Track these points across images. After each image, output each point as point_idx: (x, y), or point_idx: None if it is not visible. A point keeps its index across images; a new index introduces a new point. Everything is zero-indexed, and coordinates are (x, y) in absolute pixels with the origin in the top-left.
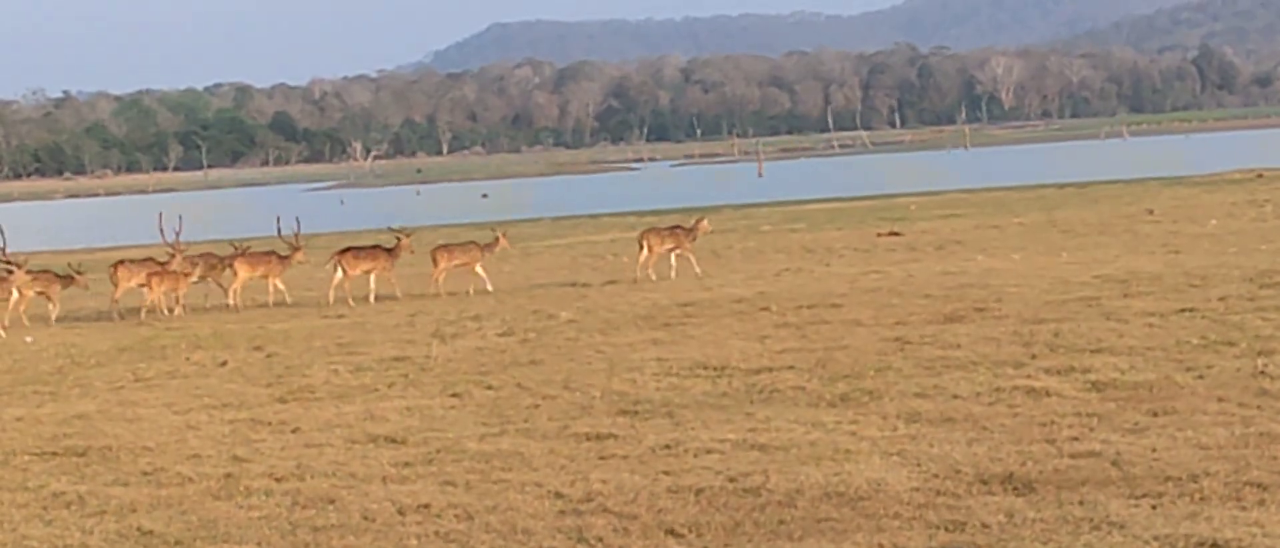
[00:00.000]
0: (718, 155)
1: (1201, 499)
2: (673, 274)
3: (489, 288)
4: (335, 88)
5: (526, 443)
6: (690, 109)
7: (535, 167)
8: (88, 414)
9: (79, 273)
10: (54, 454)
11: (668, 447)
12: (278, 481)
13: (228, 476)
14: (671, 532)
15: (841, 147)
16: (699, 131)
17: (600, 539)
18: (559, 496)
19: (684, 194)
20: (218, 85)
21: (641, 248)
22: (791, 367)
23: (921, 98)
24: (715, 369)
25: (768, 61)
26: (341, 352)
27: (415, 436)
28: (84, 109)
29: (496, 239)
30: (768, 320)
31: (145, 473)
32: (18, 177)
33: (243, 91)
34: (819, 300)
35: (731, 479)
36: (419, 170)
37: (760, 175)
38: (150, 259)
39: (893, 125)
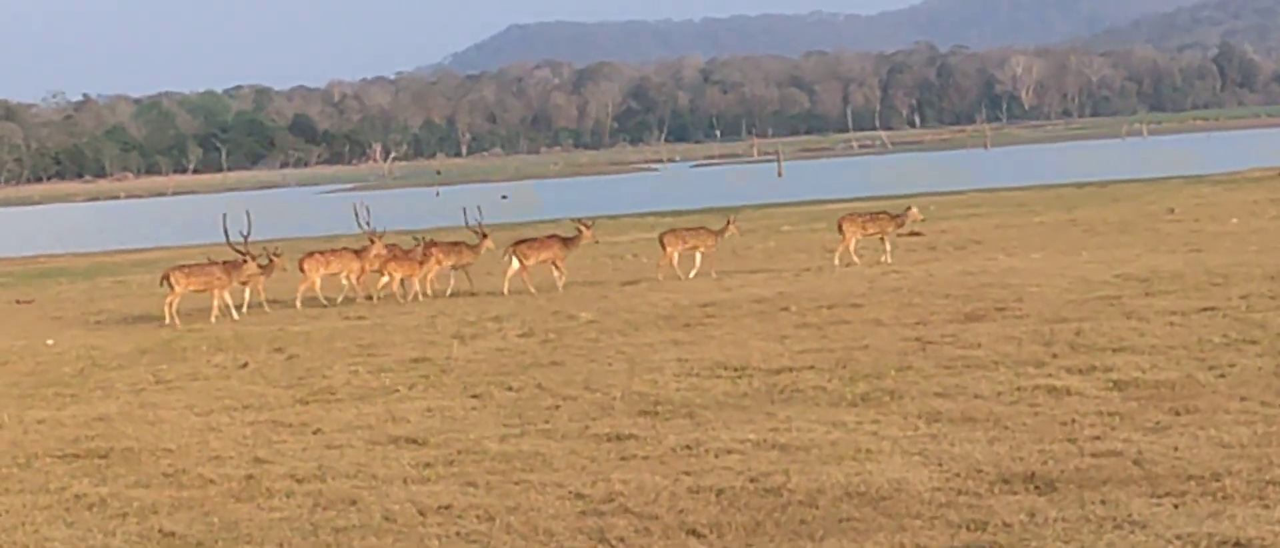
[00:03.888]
0: (738, 156)
1: (1224, 498)
2: (883, 257)
3: (704, 273)
4: (354, 90)
5: (547, 444)
6: (709, 110)
7: (554, 168)
8: (109, 416)
9: (277, 256)
10: (76, 456)
11: (688, 447)
12: (299, 482)
13: (249, 477)
14: (693, 532)
15: (861, 147)
16: (718, 132)
17: (622, 540)
18: (580, 496)
19: (703, 194)
20: (237, 88)
21: (842, 235)
22: (812, 367)
23: (941, 97)
24: (736, 369)
25: (787, 62)
26: (362, 353)
27: (436, 437)
28: (104, 112)
29: (727, 225)
30: (788, 320)
31: (167, 475)
32: (38, 179)
33: (262, 94)
34: (839, 300)
35: (752, 479)
36: (438, 172)
37: (780, 176)
38: (345, 249)
39: (912, 125)
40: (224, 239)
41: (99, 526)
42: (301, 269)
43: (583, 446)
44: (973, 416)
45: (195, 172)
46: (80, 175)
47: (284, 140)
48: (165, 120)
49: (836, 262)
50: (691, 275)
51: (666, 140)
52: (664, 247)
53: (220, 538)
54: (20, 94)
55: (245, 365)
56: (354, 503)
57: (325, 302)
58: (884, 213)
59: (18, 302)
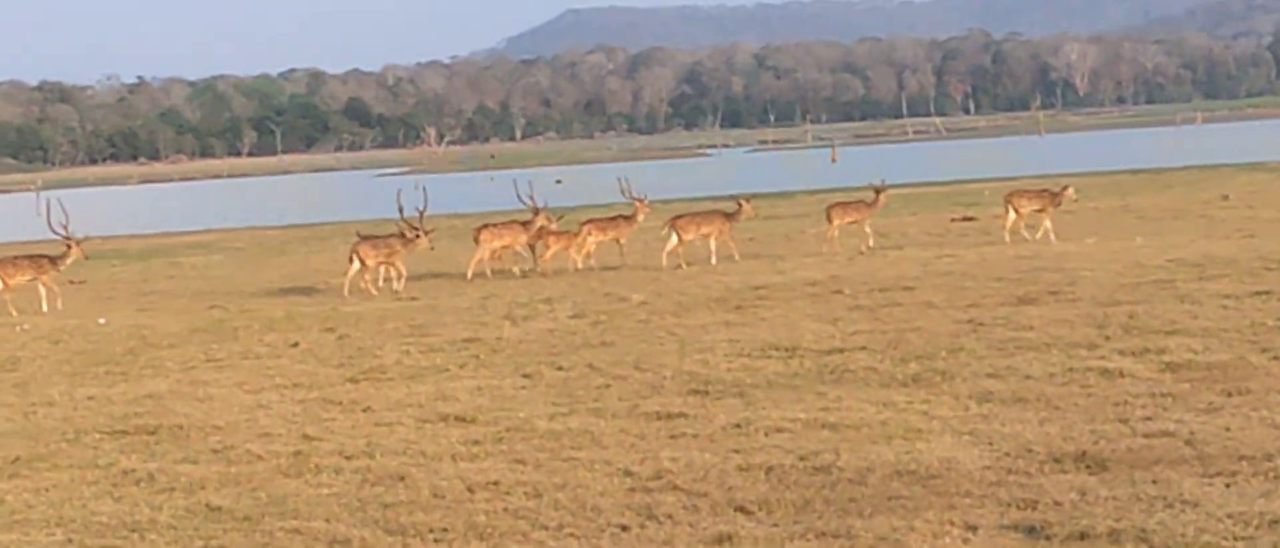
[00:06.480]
0: (792, 141)
1: (1275, 478)
2: (1039, 236)
3: (871, 243)
4: (409, 74)
5: (596, 422)
6: (763, 95)
7: (609, 152)
8: (159, 394)
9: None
10: (124, 433)
11: (738, 426)
12: (348, 458)
13: (297, 453)
14: (741, 509)
15: (915, 133)
16: (772, 118)
17: (670, 516)
18: (628, 473)
19: (757, 179)
20: (292, 71)
21: (1007, 211)
22: (863, 348)
23: (995, 84)
24: (787, 350)
25: (841, 47)
26: (414, 333)
27: (485, 415)
28: (158, 94)
29: (877, 197)
30: (840, 303)
31: (215, 451)
32: (93, 162)
33: (316, 77)
34: (892, 284)
35: (802, 458)
36: (493, 156)
37: (834, 162)
38: (514, 222)
39: (966, 111)
40: (399, 215)
41: (146, 500)
42: (477, 242)
43: (632, 424)
44: (1024, 396)
45: (249, 155)
46: (134, 157)
47: (338, 123)
48: (220, 103)
49: (1007, 236)
50: (865, 248)
51: (721, 126)
52: (830, 220)
53: (267, 513)
54: (75, 76)
55: (296, 345)
56: (402, 479)
57: (488, 275)
58: (1047, 191)
59: (71, 282)
